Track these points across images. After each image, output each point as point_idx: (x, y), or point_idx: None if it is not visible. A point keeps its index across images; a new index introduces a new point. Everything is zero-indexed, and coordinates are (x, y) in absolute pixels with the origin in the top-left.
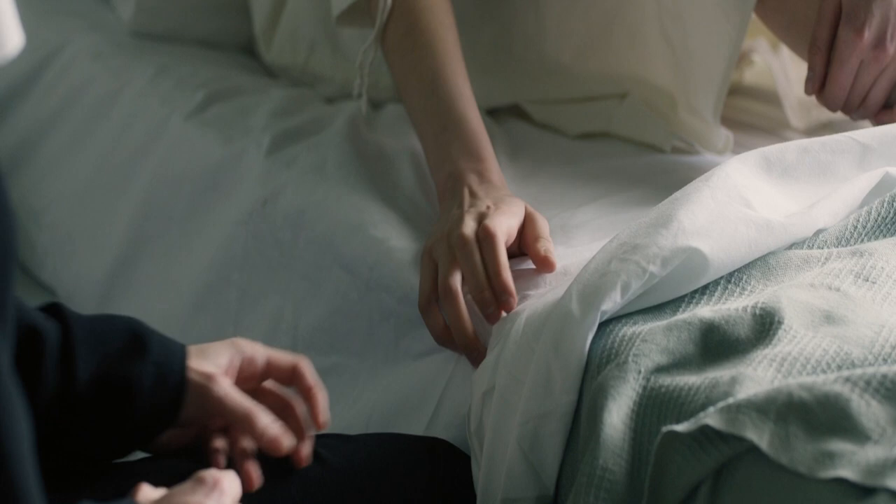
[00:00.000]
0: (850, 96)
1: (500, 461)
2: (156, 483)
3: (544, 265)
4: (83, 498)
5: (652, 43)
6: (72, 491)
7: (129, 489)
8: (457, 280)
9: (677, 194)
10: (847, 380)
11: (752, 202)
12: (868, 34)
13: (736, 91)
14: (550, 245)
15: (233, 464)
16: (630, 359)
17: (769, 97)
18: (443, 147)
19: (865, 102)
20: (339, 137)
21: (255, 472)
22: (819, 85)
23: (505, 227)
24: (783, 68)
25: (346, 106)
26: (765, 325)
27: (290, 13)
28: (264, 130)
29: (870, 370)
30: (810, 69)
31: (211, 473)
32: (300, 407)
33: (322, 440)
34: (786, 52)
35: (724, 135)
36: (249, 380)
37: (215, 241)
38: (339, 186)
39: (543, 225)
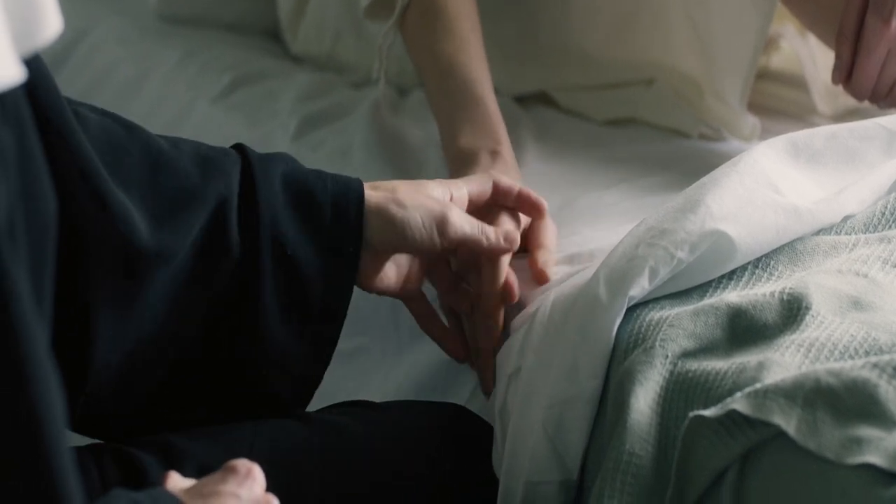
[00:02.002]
0: (877, 85)
1: (524, 444)
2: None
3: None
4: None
5: (677, 30)
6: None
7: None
8: None
9: (705, 179)
10: (875, 365)
11: (781, 187)
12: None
13: (763, 76)
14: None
15: None
16: (657, 344)
17: (796, 82)
18: (456, 125)
19: (893, 91)
20: (365, 122)
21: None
22: (846, 74)
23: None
24: (810, 54)
25: (372, 91)
26: (792, 311)
27: (315, 2)
28: (290, 114)
29: None
30: (837, 58)
31: (243, 463)
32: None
33: (345, 407)
34: (813, 37)
35: (751, 122)
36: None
37: None
38: (365, 171)
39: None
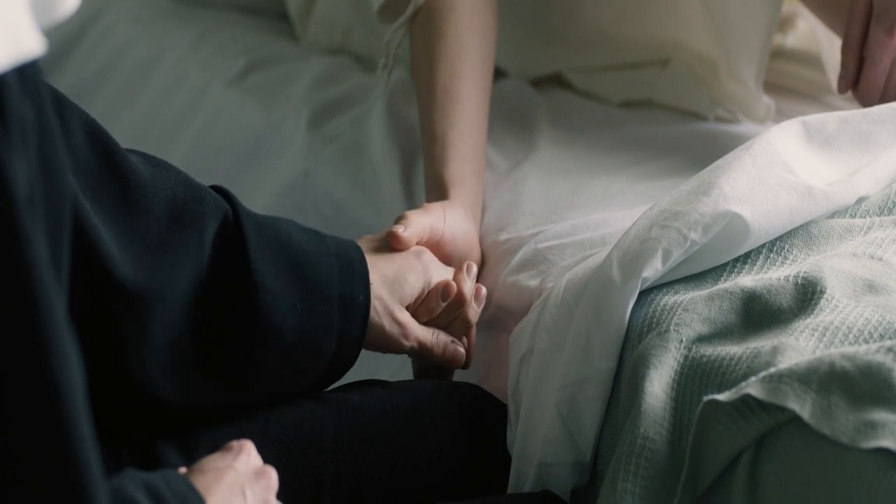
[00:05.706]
0: (883, 94)
1: (537, 425)
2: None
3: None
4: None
5: (690, 9)
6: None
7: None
8: None
9: (718, 162)
10: (890, 349)
11: (794, 167)
12: None
13: (779, 55)
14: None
15: None
16: (672, 328)
17: (812, 61)
18: (431, 160)
19: None
20: (380, 112)
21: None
22: (852, 84)
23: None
24: (827, 33)
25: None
26: (807, 295)
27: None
28: (306, 100)
29: None
30: (843, 68)
31: (237, 442)
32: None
33: (360, 386)
34: None
35: (765, 103)
36: None
37: (258, 210)
38: (381, 167)
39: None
